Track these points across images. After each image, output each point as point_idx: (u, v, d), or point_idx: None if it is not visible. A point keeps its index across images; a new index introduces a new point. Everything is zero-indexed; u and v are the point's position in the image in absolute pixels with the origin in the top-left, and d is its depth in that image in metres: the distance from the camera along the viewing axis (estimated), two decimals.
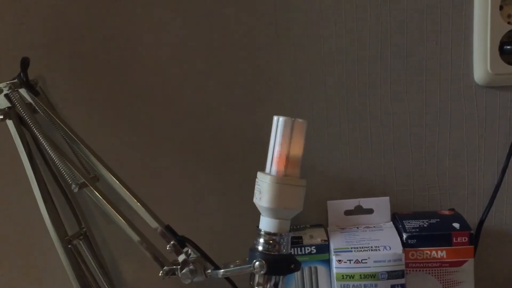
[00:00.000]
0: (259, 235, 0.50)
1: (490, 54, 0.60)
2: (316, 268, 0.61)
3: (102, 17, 0.61)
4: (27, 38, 0.62)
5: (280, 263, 0.50)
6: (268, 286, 0.50)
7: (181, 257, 0.53)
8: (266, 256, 0.49)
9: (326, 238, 0.61)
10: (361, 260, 0.57)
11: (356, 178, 0.65)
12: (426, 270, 0.59)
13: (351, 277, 0.58)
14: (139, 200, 0.56)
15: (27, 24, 0.61)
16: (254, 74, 0.63)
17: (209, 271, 0.53)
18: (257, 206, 0.50)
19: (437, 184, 0.65)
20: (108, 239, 0.67)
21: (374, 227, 0.63)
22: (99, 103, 0.64)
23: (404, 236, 0.59)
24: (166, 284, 0.66)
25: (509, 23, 0.59)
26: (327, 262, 0.61)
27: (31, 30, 0.61)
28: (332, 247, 0.59)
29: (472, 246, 0.58)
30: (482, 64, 0.61)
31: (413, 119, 0.64)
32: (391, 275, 0.57)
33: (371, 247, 0.58)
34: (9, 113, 0.56)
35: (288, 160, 0.49)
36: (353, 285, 0.58)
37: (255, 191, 0.50)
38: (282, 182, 0.48)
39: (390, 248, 0.57)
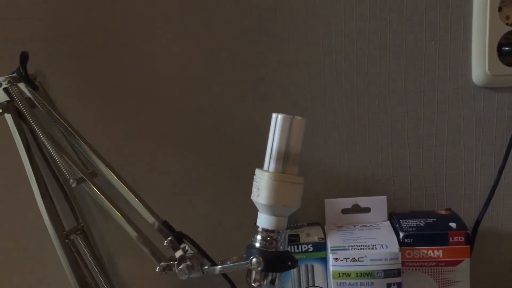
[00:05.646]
0: (257, 232, 0.50)
1: (488, 55, 0.60)
2: (312, 266, 0.61)
3: (102, 12, 0.61)
4: (26, 33, 0.62)
5: (277, 260, 0.50)
6: (265, 282, 0.50)
7: (178, 253, 0.54)
8: (263, 253, 0.49)
9: (323, 236, 0.61)
10: (358, 259, 0.57)
11: (354, 177, 0.65)
12: (422, 269, 0.59)
13: (348, 275, 0.58)
14: (136, 195, 0.56)
15: (27, 19, 0.61)
16: (253, 72, 0.63)
17: (206, 267, 0.53)
18: (255, 203, 0.50)
19: (434, 183, 0.65)
20: (105, 234, 0.67)
21: (371, 225, 0.63)
22: (98, 98, 0.64)
23: (401, 235, 0.59)
24: (163, 279, 0.66)
25: (507, 24, 0.59)
26: (324, 260, 0.61)
27: (31, 24, 0.61)
28: (329, 245, 0.60)
29: (468, 246, 0.58)
30: (480, 65, 0.61)
31: (411, 118, 0.64)
32: (388, 273, 0.57)
33: (368, 245, 0.58)
34: (8, 107, 0.56)
35: (286, 157, 0.49)
36: (350, 283, 0.58)
37: (253, 188, 0.50)
38: (280, 180, 0.48)
39: (386, 247, 0.58)
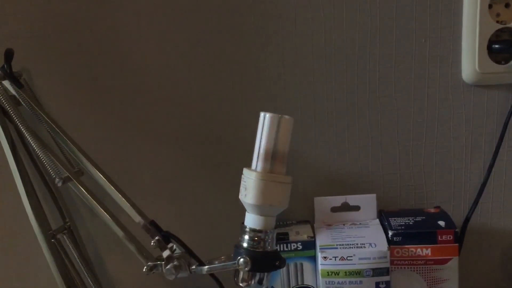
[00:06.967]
0: (244, 232, 0.50)
1: (478, 53, 0.60)
2: (301, 264, 0.61)
3: (88, 8, 0.61)
4: (11, 29, 0.61)
5: (264, 260, 0.49)
6: (253, 282, 0.50)
7: (166, 253, 0.53)
8: (250, 253, 0.49)
9: (312, 235, 0.61)
10: (347, 257, 0.57)
11: (343, 175, 0.65)
12: (411, 268, 0.59)
13: (336, 274, 0.58)
14: (123, 194, 0.55)
15: (11, 15, 0.60)
16: (241, 70, 0.62)
17: (194, 267, 0.53)
18: (242, 202, 0.50)
19: (424, 181, 0.65)
20: (92, 234, 0.67)
21: (360, 224, 0.63)
22: (84, 96, 0.63)
23: (390, 233, 0.59)
24: (150, 278, 0.66)
25: (497, 21, 0.59)
26: (313, 259, 0.61)
27: (15, 21, 0.60)
28: (318, 243, 0.59)
29: (457, 244, 0.58)
30: (470, 62, 0.60)
31: (401, 116, 0.64)
32: (376, 272, 0.57)
33: (357, 244, 0.58)
34: None
35: (274, 157, 0.48)
36: (338, 282, 0.58)
37: (241, 187, 0.50)
38: (267, 179, 0.48)
39: (375, 246, 0.58)
